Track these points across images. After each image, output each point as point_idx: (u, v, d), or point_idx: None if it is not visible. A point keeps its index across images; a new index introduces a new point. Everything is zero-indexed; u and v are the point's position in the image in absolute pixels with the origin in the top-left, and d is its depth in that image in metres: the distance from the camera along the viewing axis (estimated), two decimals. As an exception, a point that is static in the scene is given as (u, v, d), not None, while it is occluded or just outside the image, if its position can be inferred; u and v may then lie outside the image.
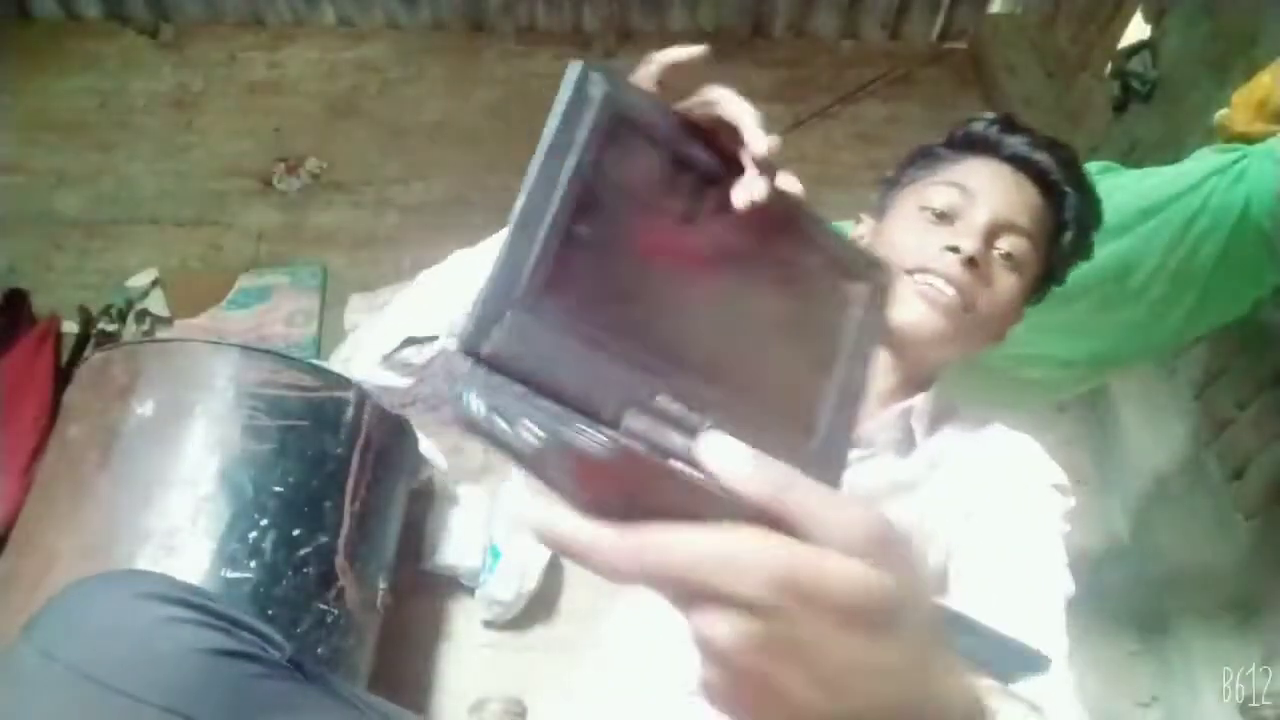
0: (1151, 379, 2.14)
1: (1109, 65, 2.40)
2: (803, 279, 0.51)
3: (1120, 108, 2.36)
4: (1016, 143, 0.89)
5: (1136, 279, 1.43)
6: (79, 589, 0.68)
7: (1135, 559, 2.07)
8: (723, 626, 0.28)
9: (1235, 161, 1.35)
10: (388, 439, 1.64)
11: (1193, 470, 2.01)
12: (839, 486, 0.47)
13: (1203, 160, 1.39)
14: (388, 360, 0.75)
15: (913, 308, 0.84)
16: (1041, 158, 0.89)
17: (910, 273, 0.85)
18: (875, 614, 0.30)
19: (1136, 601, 1.99)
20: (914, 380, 0.91)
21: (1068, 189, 0.90)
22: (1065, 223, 0.90)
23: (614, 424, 0.40)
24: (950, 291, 0.84)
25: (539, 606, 1.95)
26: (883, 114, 2.94)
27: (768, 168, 0.49)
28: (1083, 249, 0.94)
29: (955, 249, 0.84)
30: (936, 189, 0.89)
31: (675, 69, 0.58)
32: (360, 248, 2.73)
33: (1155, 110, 2.23)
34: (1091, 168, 1.46)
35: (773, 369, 0.48)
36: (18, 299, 2.49)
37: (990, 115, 0.93)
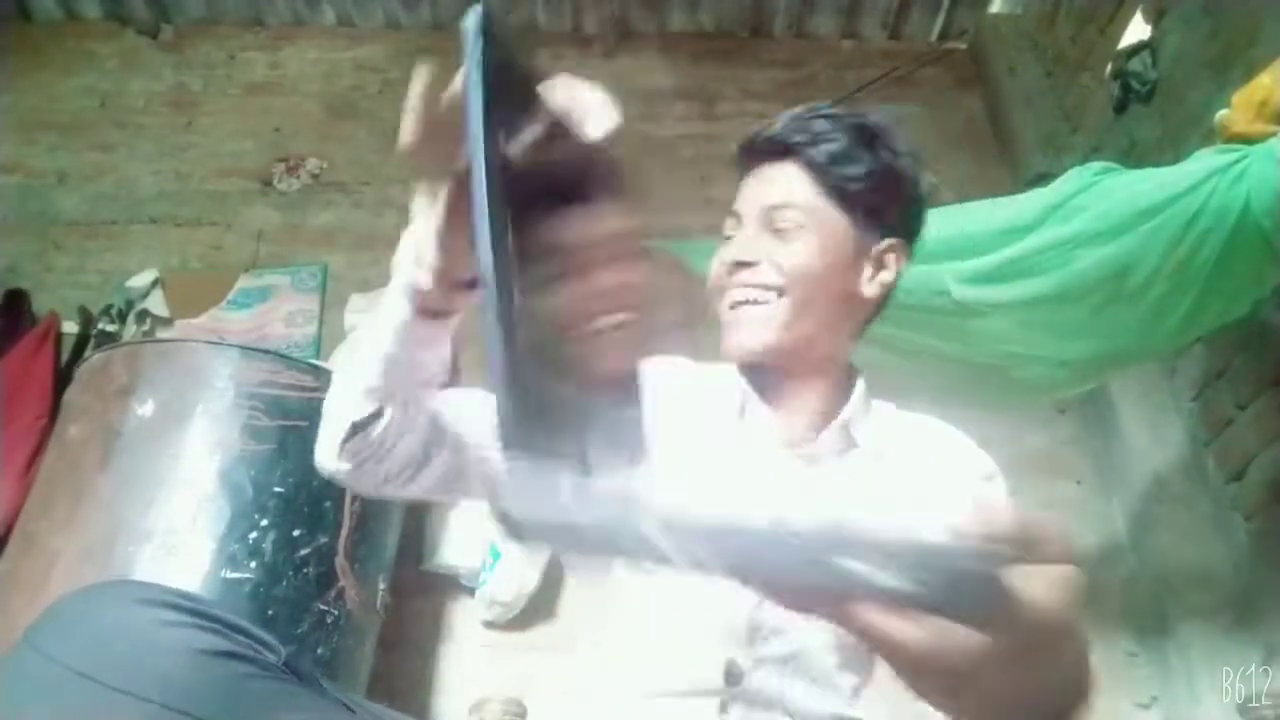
0: (1151, 379, 2.14)
1: (1109, 65, 2.40)
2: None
3: (1120, 108, 2.36)
4: (755, 139, 0.96)
5: (1136, 279, 1.43)
6: (76, 597, 0.69)
7: (1135, 559, 2.07)
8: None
9: (1235, 161, 1.35)
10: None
11: (1192, 470, 2.01)
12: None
13: (1203, 160, 1.39)
14: (345, 450, 0.77)
15: (733, 336, 0.91)
16: (769, 133, 0.94)
17: (713, 294, 0.94)
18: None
19: (1136, 602, 1.99)
20: (833, 381, 0.95)
21: (798, 140, 0.93)
22: (818, 164, 0.92)
23: None
24: (744, 296, 0.90)
25: (539, 606, 1.95)
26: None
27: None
28: (850, 159, 0.93)
29: (726, 264, 0.92)
30: (727, 221, 0.97)
31: None
32: (360, 248, 2.73)
33: (1155, 110, 2.23)
34: (1091, 168, 1.47)
35: None
36: (18, 299, 2.49)
37: (752, 132, 0.98)
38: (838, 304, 0.92)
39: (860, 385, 0.96)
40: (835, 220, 0.92)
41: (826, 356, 0.95)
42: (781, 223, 0.91)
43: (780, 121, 0.95)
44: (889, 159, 0.94)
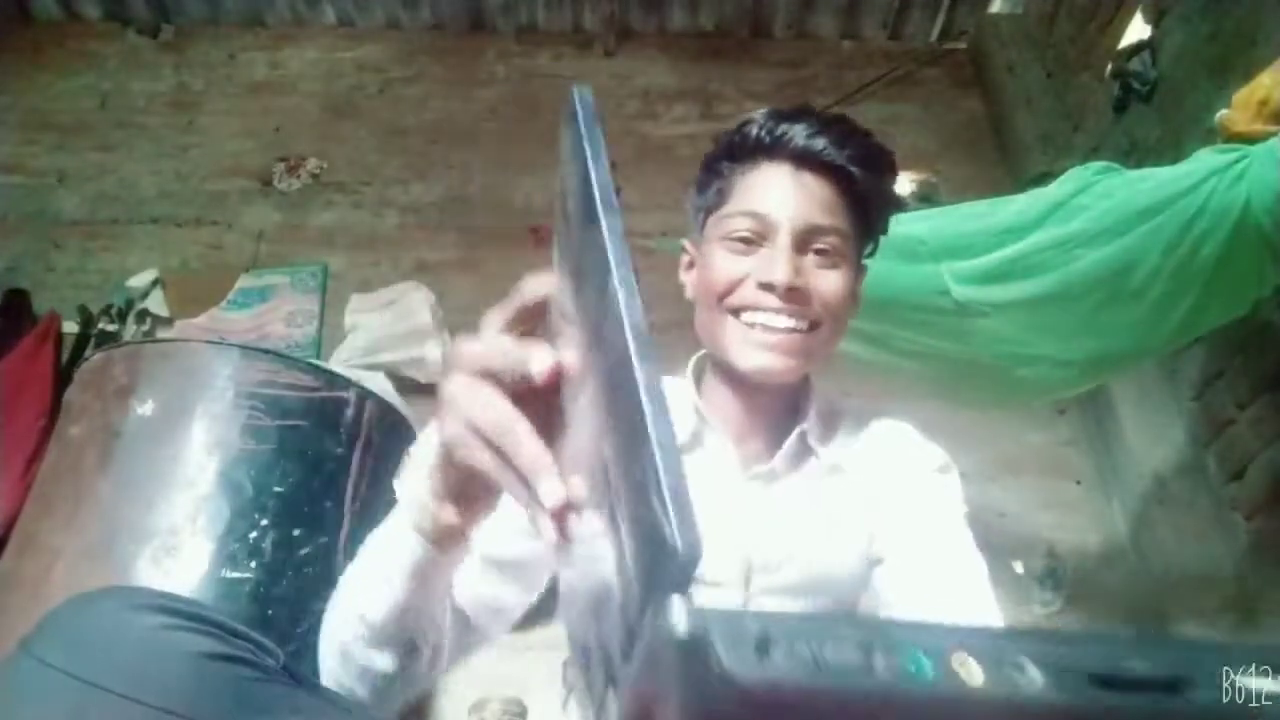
0: (1151, 379, 2.14)
1: (1109, 65, 2.40)
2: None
3: (1120, 108, 2.36)
4: (793, 136, 0.87)
5: (1136, 279, 1.43)
6: (72, 604, 0.69)
7: (1135, 559, 2.07)
8: None
9: (1235, 161, 1.35)
10: (388, 439, 1.64)
11: (1192, 470, 2.01)
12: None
13: (1203, 160, 1.39)
14: (373, 694, 0.72)
15: (754, 355, 0.85)
16: (819, 145, 0.86)
17: (735, 313, 0.86)
18: None
19: (1136, 601, 1.99)
20: (789, 395, 0.94)
21: (852, 167, 0.87)
22: (862, 195, 0.88)
23: None
24: (782, 324, 0.85)
25: (539, 607, 1.94)
26: (883, 114, 2.94)
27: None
28: (889, 204, 0.94)
29: (770, 286, 0.84)
30: (733, 220, 0.88)
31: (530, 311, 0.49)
32: (360, 248, 2.73)
33: (1155, 110, 2.23)
34: (1091, 168, 1.47)
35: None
36: (18, 299, 2.50)
37: (761, 114, 0.90)
38: (842, 332, 0.91)
39: (814, 394, 0.95)
40: (856, 243, 0.90)
41: (805, 379, 0.95)
42: (825, 246, 0.86)
43: (805, 125, 0.87)
44: (891, 175, 0.92)
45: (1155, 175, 1.43)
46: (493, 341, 0.47)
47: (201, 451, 1.45)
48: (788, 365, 0.85)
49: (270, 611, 1.39)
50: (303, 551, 1.46)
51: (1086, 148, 2.51)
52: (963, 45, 3.26)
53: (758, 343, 0.85)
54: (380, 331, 2.43)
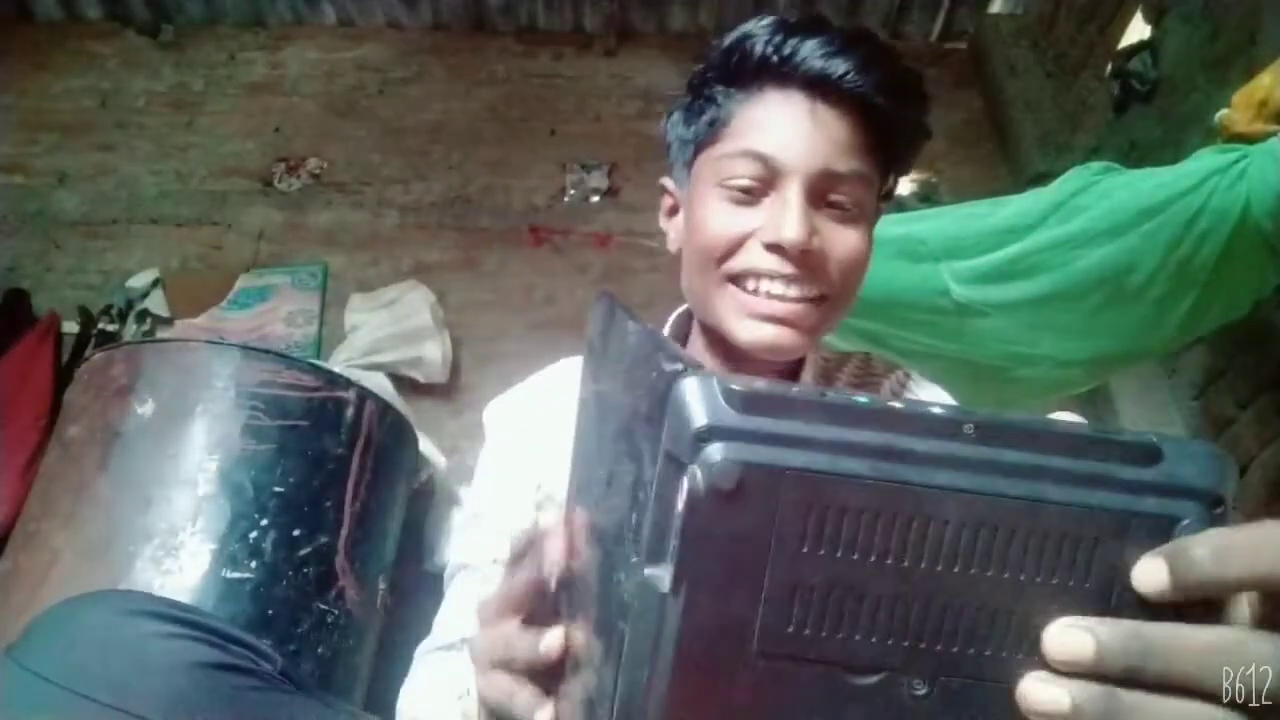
0: (1151, 379, 2.14)
1: (1109, 65, 2.40)
2: None
3: (1120, 108, 2.36)
4: (806, 56, 0.69)
5: (1137, 279, 1.43)
6: (64, 608, 0.66)
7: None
8: None
9: (1235, 161, 1.35)
10: (388, 439, 1.64)
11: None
12: None
13: (1203, 160, 1.39)
14: None
15: (759, 329, 0.70)
16: (840, 68, 0.69)
17: (735, 279, 0.71)
18: None
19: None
20: (791, 374, 0.81)
21: (879, 98, 0.70)
22: (888, 132, 0.73)
23: None
24: (792, 293, 0.70)
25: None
26: (883, 114, 2.93)
27: None
28: (918, 140, 0.77)
29: (779, 247, 0.69)
30: (731, 162, 0.71)
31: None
32: (360, 248, 2.73)
33: (1155, 110, 2.23)
34: (1091, 168, 1.47)
35: None
36: (18, 299, 2.50)
37: (766, 24, 0.72)
38: (856, 293, 0.77)
39: (809, 356, 0.81)
40: (875, 192, 0.74)
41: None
42: (842, 199, 0.70)
43: (820, 43, 0.70)
44: (923, 106, 0.76)
45: (1155, 175, 1.43)
46: (498, 639, 0.43)
47: (201, 451, 1.45)
48: (797, 341, 0.71)
49: (270, 611, 1.39)
50: (303, 551, 1.46)
51: (1086, 148, 2.51)
52: (963, 45, 3.26)
53: (764, 314, 0.70)
54: (380, 331, 2.43)
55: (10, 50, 3.13)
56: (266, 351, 1.59)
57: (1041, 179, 1.76)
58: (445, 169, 2.90)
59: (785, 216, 0.68)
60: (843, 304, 0.74)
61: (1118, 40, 2.38)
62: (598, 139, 2.99)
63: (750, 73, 0.72)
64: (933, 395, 0.87)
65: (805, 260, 0.69)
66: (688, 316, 0.85)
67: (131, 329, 2.48)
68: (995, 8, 3.20)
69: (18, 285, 2.54)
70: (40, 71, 3.09)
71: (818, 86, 0.70)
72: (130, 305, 2.53)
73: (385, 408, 1.66)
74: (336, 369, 1.99)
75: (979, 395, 1.78)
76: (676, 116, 0.80)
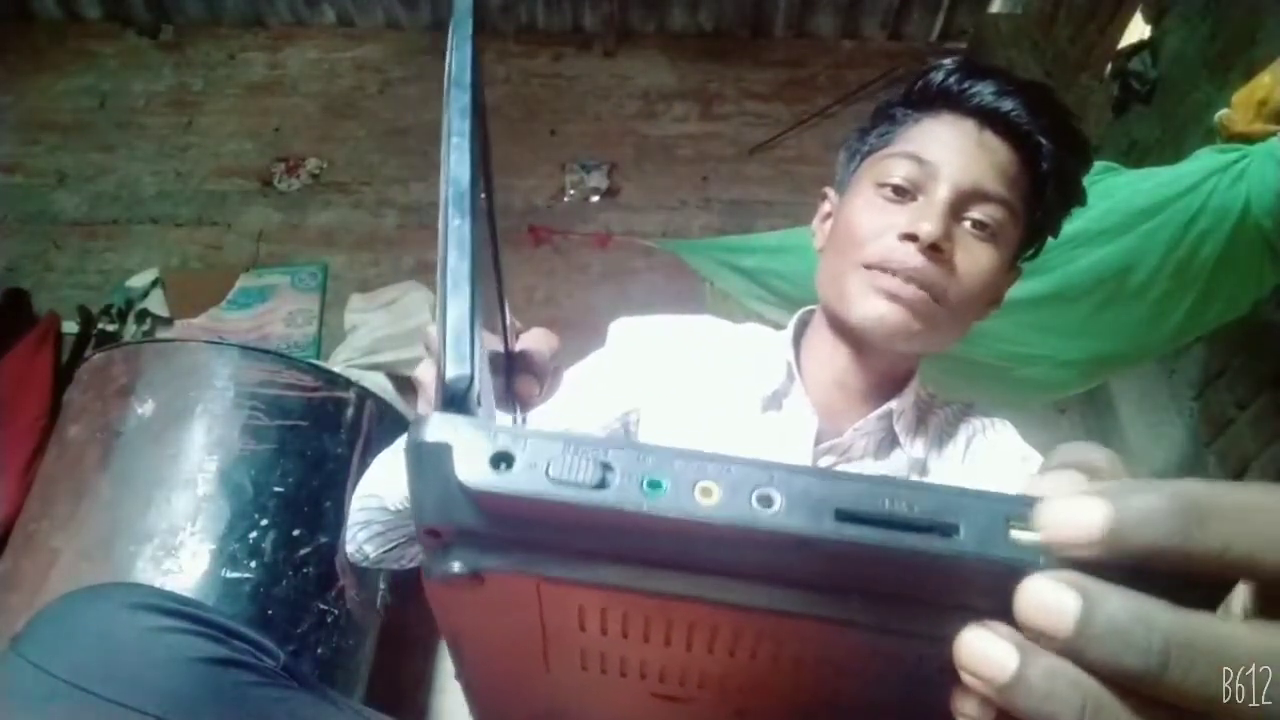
0: (1151, 379, 2.14)
1: (1109, 65, 2.40)
2: None
3: (1120, 108, 2.36)
4: (981, 91, 0.76)
5: (1136, 279, 1.43)
6: (67, 601, 0.66)
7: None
8: None
9: (1235, 161, 1.35)
10: (388, 439, 1.64)
11: (1193, 470, 2.01)
12: None
13: (1203, 160, 1.39)
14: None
15: (872, 305, 0.74)
16: (1009, 106, 0.76)
17: (869, 267, 0.75)
18: None
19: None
20: (890, 377, 0.83)
21: (1042, 139, 0.77)
22: (1045, 175, 0.78)
23: None
24: (910, 288, 0.73)
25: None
26: (883, 114, 2.94)
27: None
28: (1072, 196, 0.82)
29: (914, 236, 0.73)
30: (892, 162, 0.77)
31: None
32: (360, 248, 2.73)
33: (1155, 110, 2.23)
34: (1091, 167, 1.47)
35: None
36: (18, 299, 2.50)
37: (951, 62, 0.80)
38: (976, 319, 0.81)
39: (915, 380, 0.84)
40: (1020, 229, 0.79)
41: (912, 359, 0.83)
42: (983, 216, 0.75)
43: (996, 83, 0.77)
44: (1084, 156, 0.81)
45: (1155, 175, 1.43)
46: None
47: (201, 451, 1.45)
48: (907, 324, 0.73)
49: (270, 611, 1.39)
50: (303, 551, 1.46)
51: (1086, 148, 2.51)
52: (963, 45, 3.26)
53: (882, 290, 0.73)
54: (380, 331, 2.43)
55: (10, 50, 3.13)
56: (266, 351, 1.59)
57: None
58: (445, 169, 2.90)
59: (926, 212, 0.74)
60: (957, 318, 0.77)
61: (1117, 40, 2.38)
62: (598, 139, 3.00)
63: (930, 98, 0.79)
64: (1005, 439, 0.86)
65: (933, 257, 0.73)
66: (809, 313, 0.88)
67: (131, 329, 2.49)
68: (995, 8, 3.20)
69: (18, 285, 2.54)
70: (40, 71, 3.09)
71: (988, 116, 0.76)
72: (130, 305, 2.53)
73: (385, 408, 1.66)
74: (336, 369, 1.99)
75: (979, 395, 1.78)
76: (852, 136, 0.86)
